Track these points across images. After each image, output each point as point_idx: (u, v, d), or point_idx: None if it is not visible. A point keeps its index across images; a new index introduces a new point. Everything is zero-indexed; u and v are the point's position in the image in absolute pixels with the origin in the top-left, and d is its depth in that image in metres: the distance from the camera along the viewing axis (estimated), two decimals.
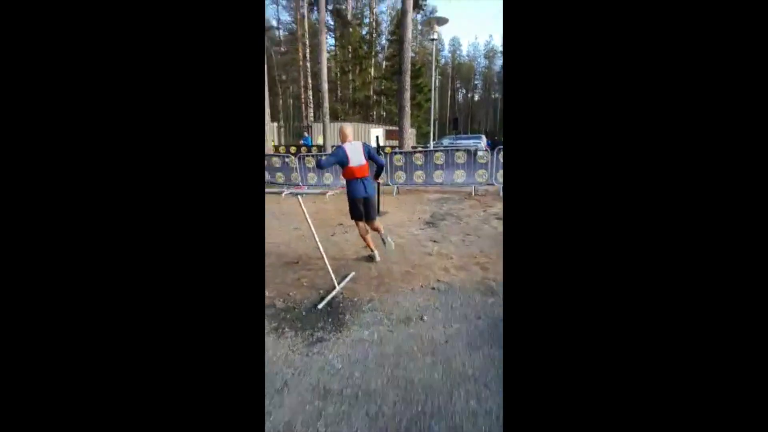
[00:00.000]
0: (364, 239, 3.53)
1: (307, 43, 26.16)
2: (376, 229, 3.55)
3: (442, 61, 41.53)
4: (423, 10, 28.83)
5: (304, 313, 2.46)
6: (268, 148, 12.47)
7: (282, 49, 31.28)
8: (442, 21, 11.25)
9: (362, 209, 3.39)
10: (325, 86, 12.34)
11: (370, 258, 3.59)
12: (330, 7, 27.41)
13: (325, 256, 2.83)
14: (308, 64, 26.78)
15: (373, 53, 29.41)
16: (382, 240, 3.65)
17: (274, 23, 31.21)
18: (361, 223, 3.48)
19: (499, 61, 44.29)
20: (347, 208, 3.48)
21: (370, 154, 3.35)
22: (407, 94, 9.44)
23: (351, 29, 28.05)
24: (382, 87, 29.03)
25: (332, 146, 11.63)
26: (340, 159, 3.21)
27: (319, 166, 3.24)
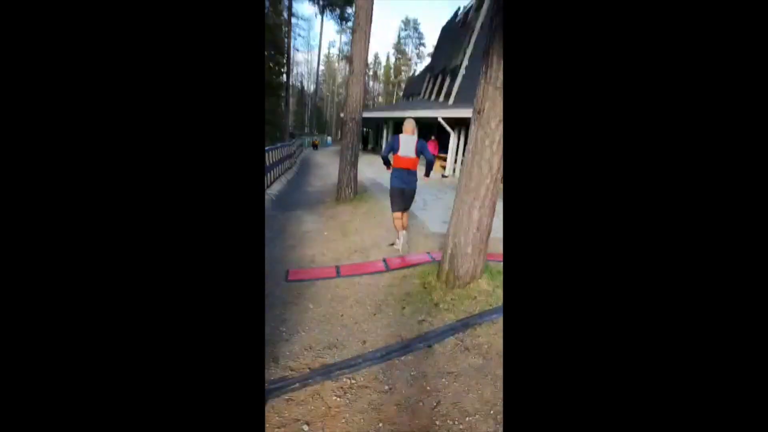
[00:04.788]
0: (397, 232, 3.80)
1: None
2: (401, 220, 3.77)
3: None
4: None
5: None
6: None
7: None
8: None
9: (399, 200, 3.67)
10: None
11: (392, 244, 3.88)
12: None
13: None
14: None
15: None
16: (399, 237, 3.84)
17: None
18: (398, 219, 3.75)
19: None
20: None
21: (422, 150, 3.62)
22: None
23: None
24: None
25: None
26: (391, 145, 3.59)
27: (382, 156, 3.67)
